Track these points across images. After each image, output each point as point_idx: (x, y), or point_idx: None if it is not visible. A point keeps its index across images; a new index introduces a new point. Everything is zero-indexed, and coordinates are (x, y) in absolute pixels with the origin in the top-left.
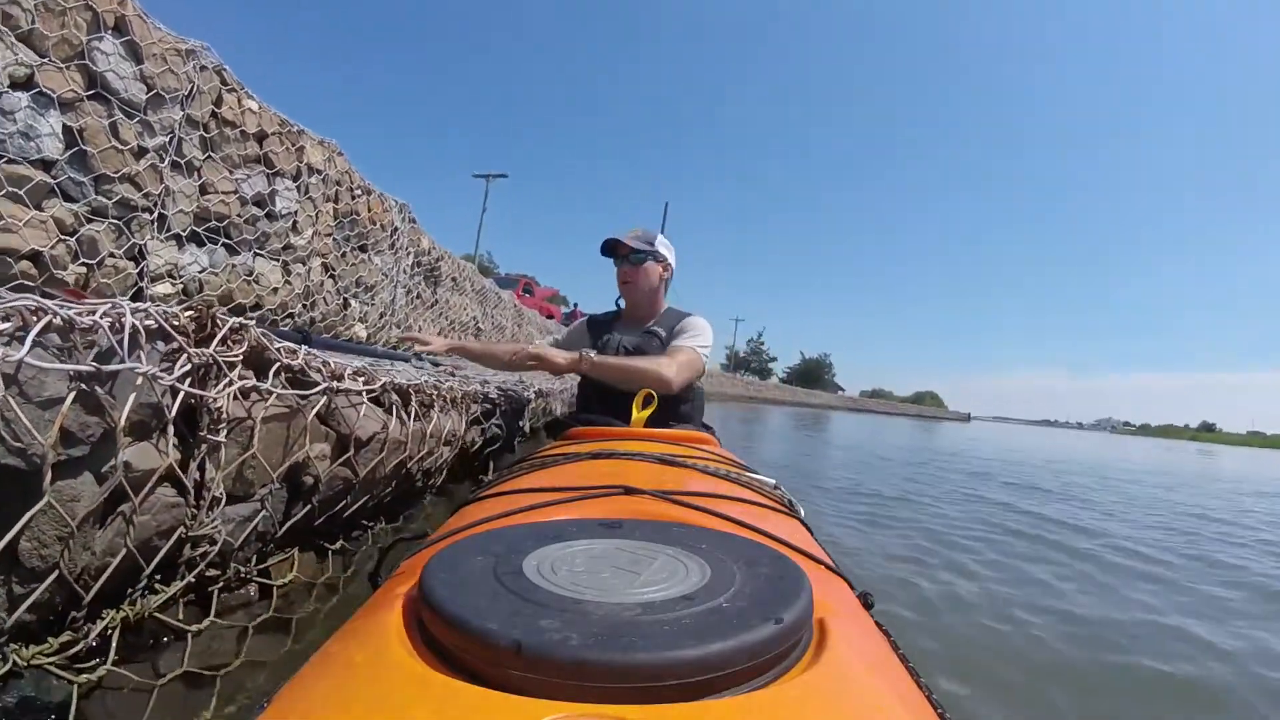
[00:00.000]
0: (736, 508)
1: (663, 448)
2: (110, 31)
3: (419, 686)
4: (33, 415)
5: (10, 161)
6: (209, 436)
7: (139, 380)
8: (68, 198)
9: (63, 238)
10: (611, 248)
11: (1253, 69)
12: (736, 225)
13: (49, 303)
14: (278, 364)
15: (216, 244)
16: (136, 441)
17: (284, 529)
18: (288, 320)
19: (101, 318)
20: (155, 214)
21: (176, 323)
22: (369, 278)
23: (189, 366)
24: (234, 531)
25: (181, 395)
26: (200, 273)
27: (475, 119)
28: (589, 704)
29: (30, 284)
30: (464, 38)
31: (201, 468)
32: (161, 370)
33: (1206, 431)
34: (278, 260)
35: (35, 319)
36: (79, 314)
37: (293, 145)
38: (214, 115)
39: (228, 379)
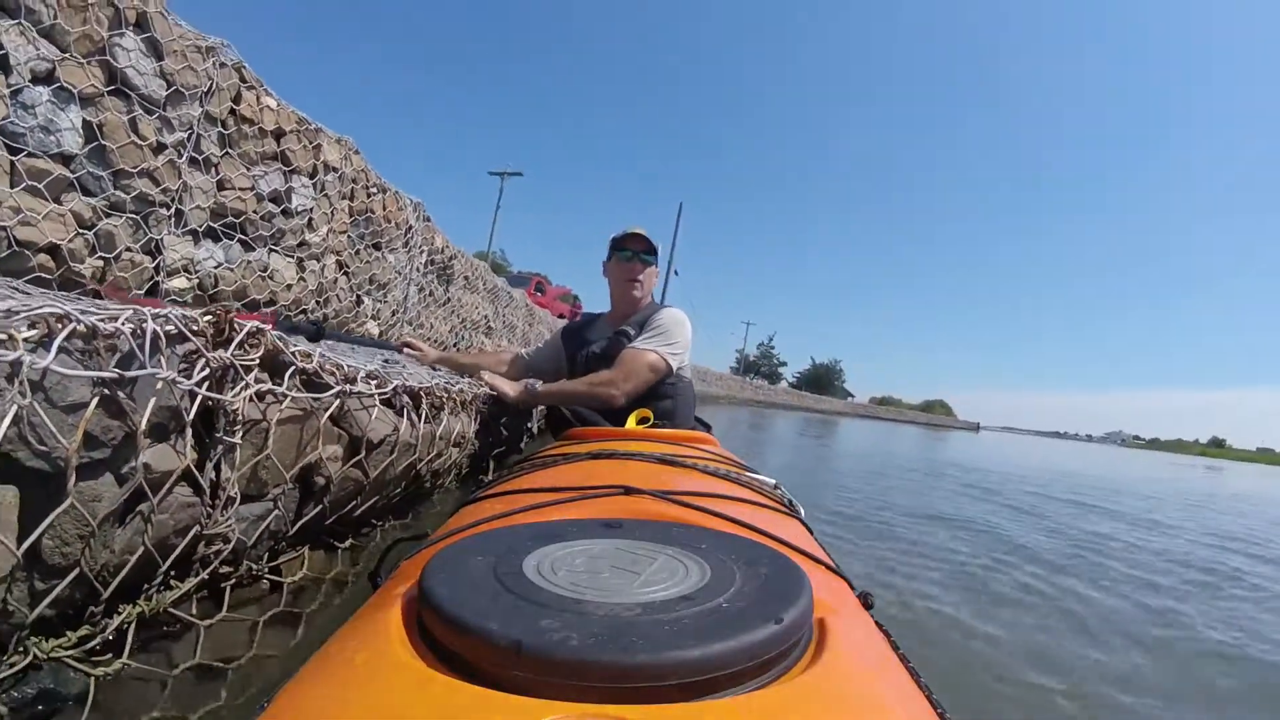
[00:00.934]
0: (736, 508)
1: (663, 448)
2: (131, 28)
3: (419, 686)
4: (57, 420)
5: (30, 155)
6: (225, 438)
7: (159, 384)
8: (86, 192)
9: (81, 231)
10: (631, 241)
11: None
12: (753, 228)
13: (72, 309)
14: (293, 367)
15: (232, 240)
16: (155, 443)
17: (296, 528)
18: (300, 316)
19: (124, 324)
20: (172, 209)
21: (195, 327)
22: (382, 275)
23: (207, 371)
24: (247, 530)
25: (200, 398)
26: (216, 268)
27: (491, 115)
28: (589, 704)
29: (48, 276)
30: (483, 33)
31: (217, 468)
32: (181, 375)
33: (1216, 447)
34: (292, 257)
35: (60, 326)
36: (102, 320)
37: (310, 143)
38: (232, 112)
39: (244, 382)
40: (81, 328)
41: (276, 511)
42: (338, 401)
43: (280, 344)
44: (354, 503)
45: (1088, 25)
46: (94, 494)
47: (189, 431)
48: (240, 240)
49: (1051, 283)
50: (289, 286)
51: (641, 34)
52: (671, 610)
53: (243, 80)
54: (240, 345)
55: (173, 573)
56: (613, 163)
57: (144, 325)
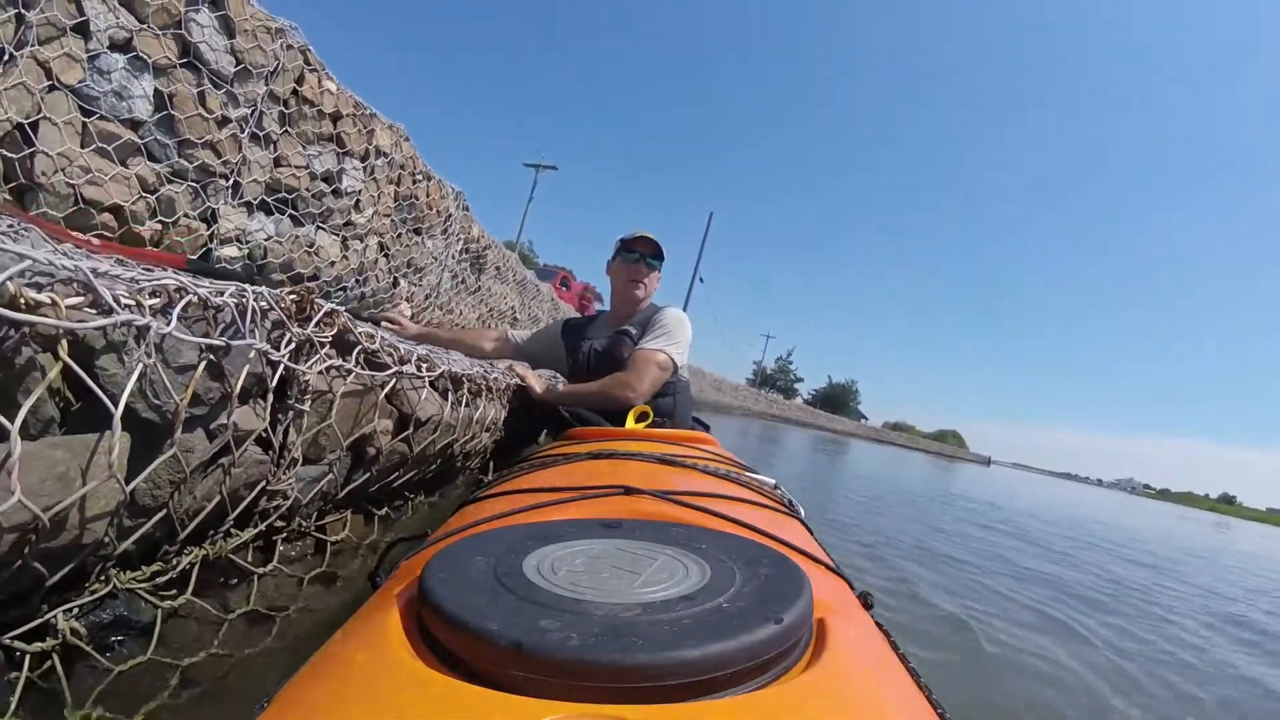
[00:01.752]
0: (736, 508)
1: (662, 448)
2: (207, 4)
3: (419, 686)
4: (170, 378)
5: (102, 118)
6: (295, 405)
7: (251, 354)
8: (152, 158)
9: (144, 195)
10: (639, 244)
11: None
12: (782, 240)
13: (188, 281)
14: (359, 347)
15: (283, 214)
16: (240, 405)
17: (344, 492)
18: (340, 292)
19: (229, 297)
20: (231, 181)
21: (283, 304)
22: (420, 260)
23: (294, 345)
24: (303, 490)
25: (281, 368)
26: (266, 240)
27: (527, 107)
28: (589, 704)
29: (110, 235)
30: (529, 27)
31: (286, 432)
32: (271, 347)
33: (1226, 504)
34: (338, 235)
35: (178, 296)
36: (212, 294)
37: (364, 127)
38: (294, 93)
39: (318, 356)
40: (195, 299)
41: (330, 475)
42: (393, 381)
43: (350, 324)
44: (396, 474)
45: (1115, 30)
46: (189, 445)
47: (270, 397)
48: (291, 215)
49: (1078, 321)
50: (332, 263)
51: (682, 39)
52: (671, 610)
53: (307, 63)
54: (317, 324)
55: (233, 524)
56: (644, 163)
57: (245, 301)
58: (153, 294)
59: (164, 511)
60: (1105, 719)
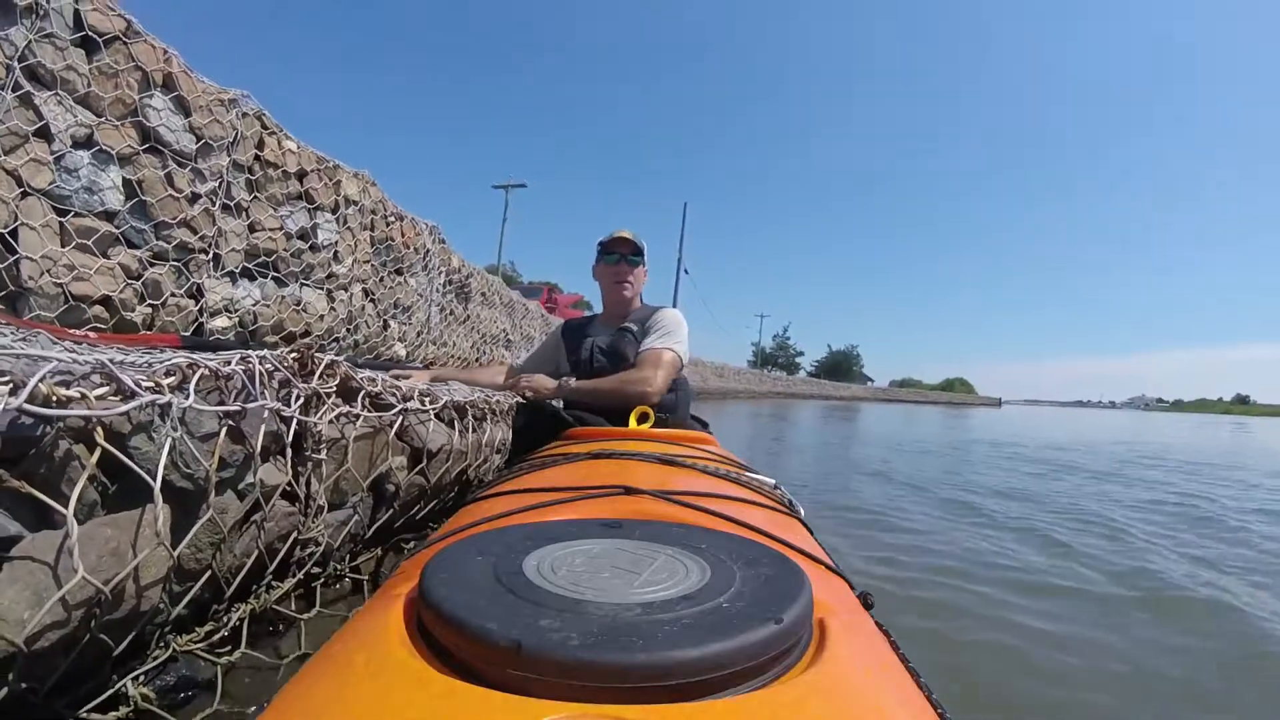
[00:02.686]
0: (736, 508)
1: (662, 448)
2: (159, 89)
3: (419, 686)
4: (196, 447)
5: (77, 215)
6: (313, 455)
7: (265, 414)
8: (131, 245)
9: (129, 281)
10: (617, 244)
11: None
12: (759, 222)
13: (198, 357)
14: (363, 392)
15: (266, 277)
16: (263, 463)
17: (371, 530)
18: (334, 344)
19: (238, 365)
20: (210, 254)
21: (285, 363)
22: (405, 299)
23: (303, 400)
24: (333, 534)
25: (294, 422)
26: (254, 305)
27: (492, 127)
28: (589, 704)
29: (103, 326)
30: (475, 45)
31: (308, 482)
32: (282, 404)
33: (1240, 404)
34: (322, 289)
35: (191, 371)
36: (220, 365)
37: (330, 180)
38: (257, 158)
39: (327, 406)
40: (207, 371)
41: (355, 516)
42: (400, 418)
43: (351, 373)
44: (418, 506)
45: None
46: (223, 507)
47: (289, 451)
48: (274, 277)
49: (1064, 249)
50: (321, 317)
51: (641, 31)
52: (671, 610)
53: (264, 127)
54: (320, 376)
55: (272, 576)
56: (614, 162)
57: (251, 368)
58: (168, 373)
59: (209, 573)
60: (1113, 715)
